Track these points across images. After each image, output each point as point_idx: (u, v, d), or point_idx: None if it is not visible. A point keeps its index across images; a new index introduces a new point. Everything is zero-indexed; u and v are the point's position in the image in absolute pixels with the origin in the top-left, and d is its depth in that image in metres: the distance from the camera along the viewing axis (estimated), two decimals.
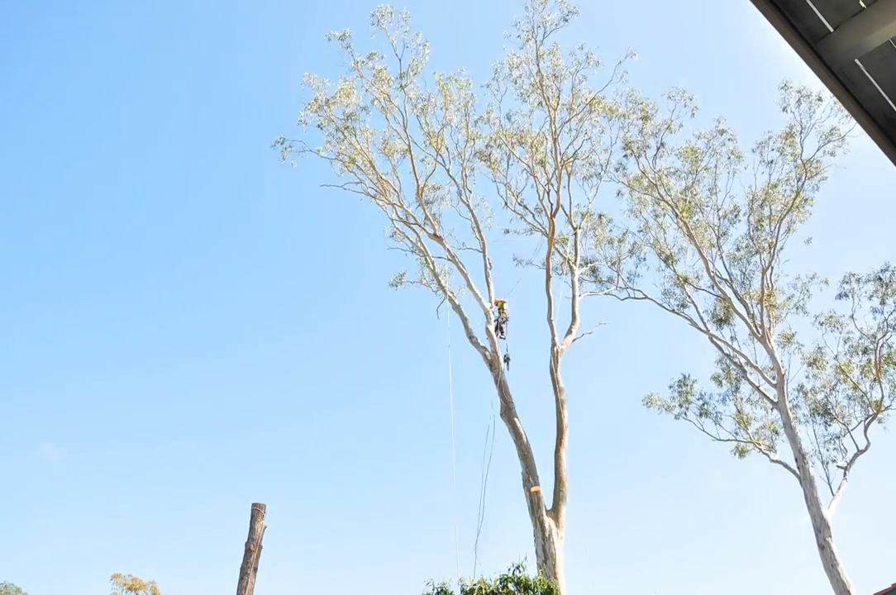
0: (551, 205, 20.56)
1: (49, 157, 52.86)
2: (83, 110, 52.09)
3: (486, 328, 18.73)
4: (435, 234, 20.80)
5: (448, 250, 20.43)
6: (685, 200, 23.05)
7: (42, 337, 54.48)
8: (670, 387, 25.61)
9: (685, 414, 25.13)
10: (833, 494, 19.97)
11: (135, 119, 53.23)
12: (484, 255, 20.76)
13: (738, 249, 23.93)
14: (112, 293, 56.14)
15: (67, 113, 52.37)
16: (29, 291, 53.24)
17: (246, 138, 53.88)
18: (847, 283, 23.48)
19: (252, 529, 10.41)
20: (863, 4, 3.02)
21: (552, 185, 20.97)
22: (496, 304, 19.48)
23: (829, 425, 23.31)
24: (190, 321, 57.17)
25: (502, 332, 18.75)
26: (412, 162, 21.10)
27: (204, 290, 57.03)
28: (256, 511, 10.51)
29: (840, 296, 23.58)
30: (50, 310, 54.38)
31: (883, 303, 22.83)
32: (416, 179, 21.07)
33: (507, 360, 18.09)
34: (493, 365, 18.00)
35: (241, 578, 10.04)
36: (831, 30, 3.14)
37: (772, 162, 22.83)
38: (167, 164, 54.92)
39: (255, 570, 10.16)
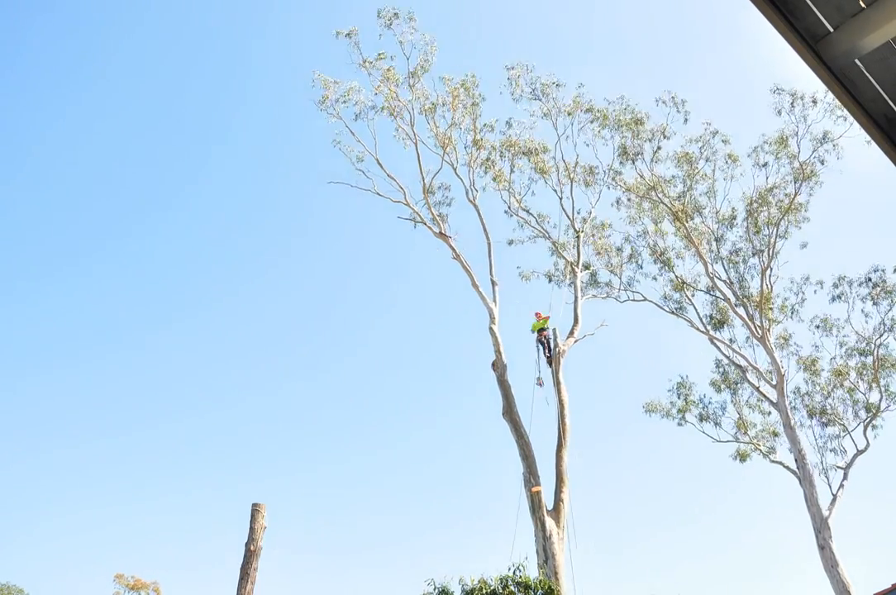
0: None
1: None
2: (85, 100, 52.19)
3: (490, 328, 18.73)
4: (441, 233, 20.86)
5: (453, 249, 20.50)
6: (682, 204, 23.12)
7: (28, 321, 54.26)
8: (669, 390, 25.61)
9: (684, 416, 25.13)
10: (833, 495, 19.97)
11: (133, 114, 53.28)
12: (489, 256, 20.81)
13: (735, 253, 23.95)
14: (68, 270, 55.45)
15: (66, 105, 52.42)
16: None
17: (246, 136, 53.97)
18: (838, 286, 23.51)
19: (252, 530, 10.43)
20: (863, 4, 3.03)
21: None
22: (538, 319, 19.03)
23: (827, 426, 23.32)
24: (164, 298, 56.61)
25: (547, 350, 18.33)
26: (419, 161, 21.36)
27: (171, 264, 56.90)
28: (256, 511, 10.52)
29: (834, 298, 23.60)
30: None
31: (875, 304, 22.84)
32: (423, 178, 21.24)
33: (539, 382, 17.63)
34: (495, 365, 18.02)
35: (242, 579, 10.04)
36: (831, 30, 3.14)
37: (766, 164, 22.90)
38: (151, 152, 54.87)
39: (256, 570, 10.18)
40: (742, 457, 24.13)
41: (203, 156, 55.53)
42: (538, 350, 18.49)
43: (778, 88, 21.85)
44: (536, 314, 19.22)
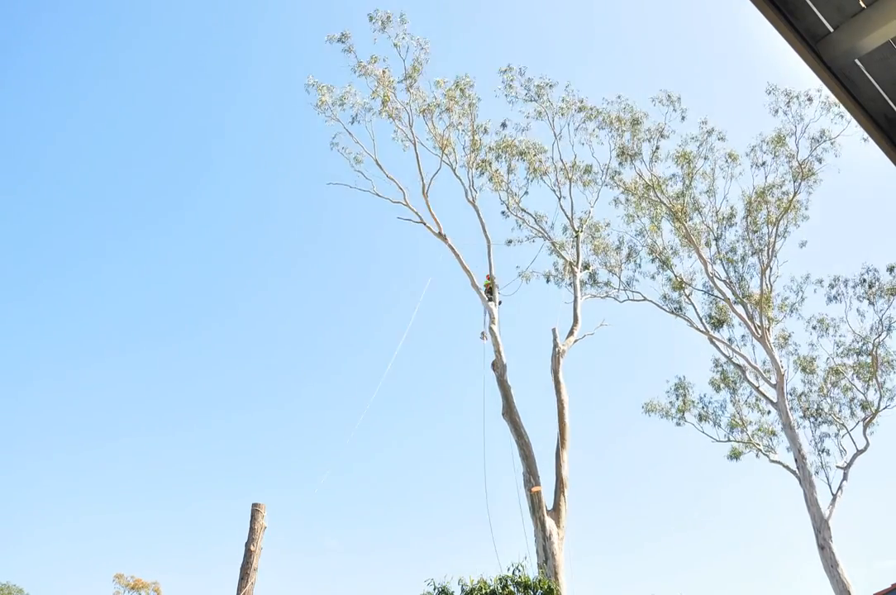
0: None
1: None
2: (75, 98, 52.14)
3: (490, 328, 18.74)
4: (440, 233, 20.88)
5: (453, 249, 20.52)
6: (681, 203, 23.13)
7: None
8: (667, 391, 25.61)
9: (683, 416, 25.13)
10: (832, 495, 19.97)
11: (132, 121, 53.24)
12: (489, 256, 20.81)
13: (734, 251, 23.94)
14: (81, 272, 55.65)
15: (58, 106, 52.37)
16: None
17: (246, 137, 53.92)
18: (834, 286, 23.53)
19: (252, 530, 10.42)
20: (863, 4, 3.03)
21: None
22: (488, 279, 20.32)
23: (823, 425, 23.32)
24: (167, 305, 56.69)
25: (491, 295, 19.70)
26: (418, 162, 21.37)
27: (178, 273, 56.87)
28: (256, 511, 10.52)
29: (830, 299, 23.62)
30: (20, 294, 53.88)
31: (871, 304, 22.87)
32: (422, 179, 21.26)
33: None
34: (495, 365, 18.02)
35: (242, 579, 10.04)
36: (831, 30, 3.14)
37: (764, 164, 22.92)
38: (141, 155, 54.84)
39: (256, 570, 10.17)
40: (735, 454, 24.11)
41: (203, 158, 55.50)
42: (485, 303, 19.51)
43: (773, 88, 21.89)
44: (486, 276, 20.54)
